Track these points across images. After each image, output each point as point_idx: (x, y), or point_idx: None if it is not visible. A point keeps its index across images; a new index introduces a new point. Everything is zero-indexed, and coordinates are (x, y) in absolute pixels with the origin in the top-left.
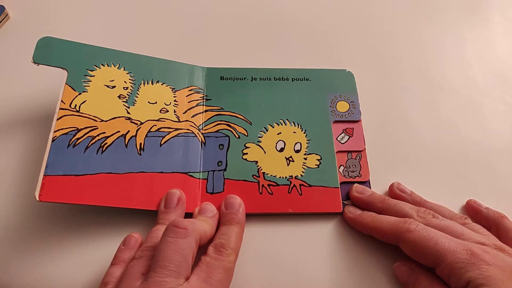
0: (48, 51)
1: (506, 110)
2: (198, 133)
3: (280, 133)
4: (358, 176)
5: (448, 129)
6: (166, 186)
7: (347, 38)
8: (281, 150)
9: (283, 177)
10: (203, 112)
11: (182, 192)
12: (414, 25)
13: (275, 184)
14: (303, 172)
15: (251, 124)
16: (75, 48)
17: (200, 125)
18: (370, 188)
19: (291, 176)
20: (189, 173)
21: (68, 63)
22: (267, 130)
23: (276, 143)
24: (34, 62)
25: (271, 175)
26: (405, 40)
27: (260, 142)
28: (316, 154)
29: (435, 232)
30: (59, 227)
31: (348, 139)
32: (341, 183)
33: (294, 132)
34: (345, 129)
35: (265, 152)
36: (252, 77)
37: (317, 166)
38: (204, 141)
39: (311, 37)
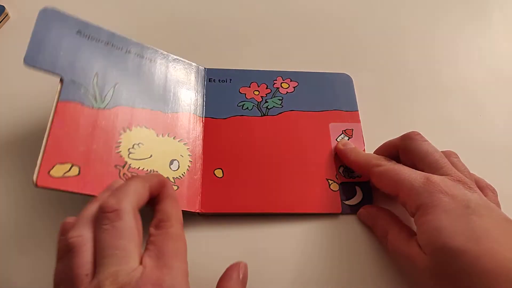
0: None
1: (506, 110)
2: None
3: None
4: (358, 176)
5: (448, 129)
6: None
7: (347, 40)
8: None
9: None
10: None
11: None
12: (414, 26)
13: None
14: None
15: None
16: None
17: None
18: (371, 189)
19: None
20: None
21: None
22: None
23: None
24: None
25: None
26: (405, 41)
27: None
28: None
29: (401, 167)
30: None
31: (348, 140)
32: (341, 183)
33: None
34: (345, 130)
35: None
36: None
37: None
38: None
39: (311, 39)
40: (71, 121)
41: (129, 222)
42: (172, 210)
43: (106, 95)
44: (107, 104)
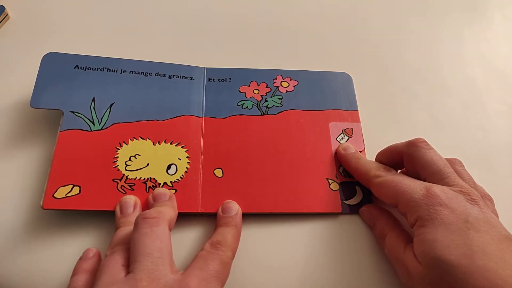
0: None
1: (506, 110)
2: None
3: None
4: None
5: (448, 129)
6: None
7: (347, 39)
8: None
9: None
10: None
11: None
12: (414, 25)
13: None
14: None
15: None
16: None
17: None
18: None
19: None
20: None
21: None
22: None
23: None
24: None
25: None
26: (405, 40)
27: None
28: None
29: (400, 178)
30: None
31: (348, 139)
32: (341, 183)
33: None
34: (345, 130)
35: None
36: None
37: None
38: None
39: (311, 38)
40: (70, 147)
41: (166, 230)
42: (233, 239)
43: (102, 116)
44: (104, 124)
